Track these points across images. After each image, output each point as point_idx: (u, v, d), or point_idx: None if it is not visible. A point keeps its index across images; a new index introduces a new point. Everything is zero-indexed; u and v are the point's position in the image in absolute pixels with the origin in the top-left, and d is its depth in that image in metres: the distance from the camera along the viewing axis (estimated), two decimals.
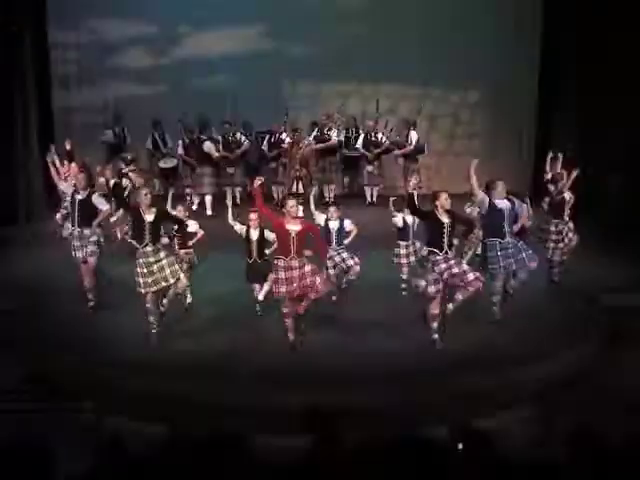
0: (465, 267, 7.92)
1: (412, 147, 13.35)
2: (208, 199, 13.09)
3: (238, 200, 13.63)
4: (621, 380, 7.69)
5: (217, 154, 13.15)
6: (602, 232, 11.76)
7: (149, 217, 7.99)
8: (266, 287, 8.77)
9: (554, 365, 7.82)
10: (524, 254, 8.50)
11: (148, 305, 8.13)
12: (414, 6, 14.32)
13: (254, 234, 8.66)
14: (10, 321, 8.73)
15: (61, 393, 7.43)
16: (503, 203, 8.50)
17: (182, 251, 8.90)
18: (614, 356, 8.33)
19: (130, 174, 10.78)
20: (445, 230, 7.81)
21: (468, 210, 9.94)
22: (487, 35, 14.46)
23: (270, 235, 8.58)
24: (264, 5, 14.32)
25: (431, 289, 7.86)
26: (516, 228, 8.71)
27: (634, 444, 4.35)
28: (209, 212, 12.94)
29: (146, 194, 8.05)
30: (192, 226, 9.00)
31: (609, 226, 12.01)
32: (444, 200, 7.83)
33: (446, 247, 7.82)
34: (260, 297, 8.84)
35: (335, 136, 13.68)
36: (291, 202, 7.88)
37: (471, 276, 7.81)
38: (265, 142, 13.71)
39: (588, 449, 4.13)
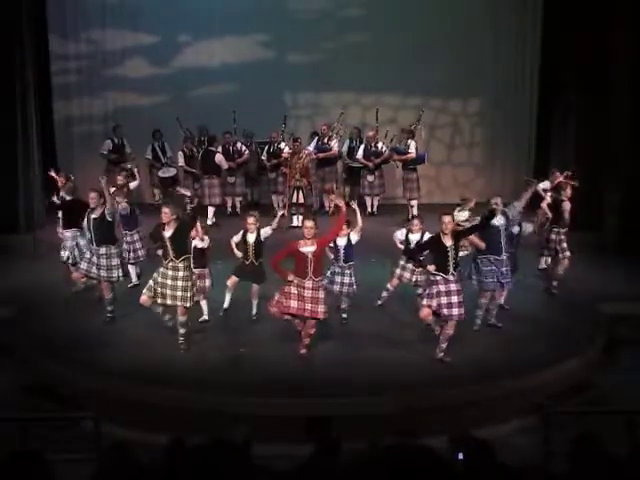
0: (462, 298, 7.80)
1: (413, 155, 13.34)
2: (211, 209, 13.12)
3: (238, 209, 13.66)
4: (620, 388, 7.70)
5: (227, 166, 13.20)
6: (600, 242, 11.82)
7: (168, 233, 8.01)
8: (255, 301, 8.87)
9: (553, 374, 7.82)
10: (508, 279, 8.60)
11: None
12: (414, 16, 14.34)
13: (251, 237, 8.75)
14: (10, 328, 8.74)
15: (60, 401, 7.45)
16: (498, 220, 8.48)
17: (197, 270, 8.80)
18: (613, 364, 8.37)
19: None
20: (450, 253, 7.76)
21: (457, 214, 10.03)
22: (487, 44, 14.51)
23: (267, 231, 8.72)
24: (265, 15, 14.37)
25: (430, 302, 7.81)
26: (510, 247, 8.71)
27: (634, 454, 4.35)
28: (209, 221, 12.95)
29: (165, 214, 8.04)
30: (203, 242, 8.84)
31: (607, 236, 12.05)
32: (445, 224, 7.77)
33: (452, 269, 7.78)
34: (254, 311, 8.91)
35: (336, 146, 13.72)
36: (309, 223, 7.84)
37: (456, 312, 7.74)
38: (264, 152, 13.75)
39: (588, 459, 4.12)
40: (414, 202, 13.37)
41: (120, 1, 14.45)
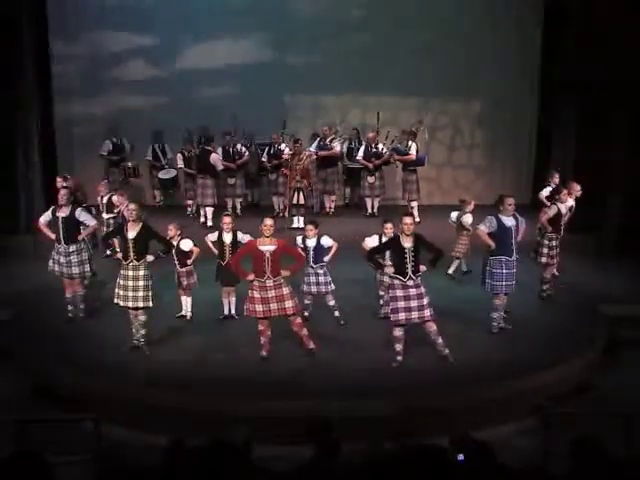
0: (425, 301, 7.65)
1: (413, 157, 13.32)
2: (209, 210, 13.09)
3: (239, 211, 13.64)
4: (620, 390, 7.69)
5: (222, 167, 13.17)
6: (600, 243, 11.81)
7: (131, 234, 8.02)
8: (233, 299, 9.00)
9: (554, 376, 7.82)
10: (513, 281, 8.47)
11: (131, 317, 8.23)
12: (414, 17, 14.35)
13: (227, 237, 8.82)
14: (10, 330, 8.74)
15: (60, 402, 7.44)
16: (510, 221, 8.40)
17: (182, 269, 8.94)
18: (613, 365, 8.36)
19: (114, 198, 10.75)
20: (407, 255, 7.60)
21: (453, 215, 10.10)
22: (487, 46, 14.50)
23: (244, 237, 8.74)
24: (265, 16, 14.37)
25: (386, 309, 7.77)
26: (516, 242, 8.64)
27: (634, 456, 4.35)
28: (210, 223, 12.94)
29: (132, 211, 8.04)
30: (186, 245, 8.92)
31: (607, 237, 12.05)
32: (407, 225, 7.62)
33: (410, 273, 7.61)
34: (232, 311, 9.04)
35: (338, 146, 13.71)
36: (268, 221, 7.80)
37: (427, 313, 7.64)
38: (264, 153, 13.75)
39: (588, 460, 4.12)
40: (414, 203, 13.35)
41: (120, 3, 14.45)
